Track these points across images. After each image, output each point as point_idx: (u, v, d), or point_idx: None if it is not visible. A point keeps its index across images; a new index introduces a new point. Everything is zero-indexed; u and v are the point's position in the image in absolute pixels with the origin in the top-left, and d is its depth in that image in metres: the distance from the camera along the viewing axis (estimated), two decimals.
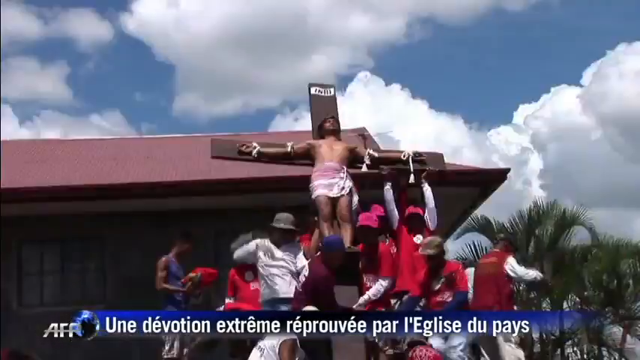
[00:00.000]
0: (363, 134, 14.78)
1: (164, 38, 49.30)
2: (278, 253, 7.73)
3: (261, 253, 7.79)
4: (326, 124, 8.54)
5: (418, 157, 8.61)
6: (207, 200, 14.33)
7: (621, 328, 18.42)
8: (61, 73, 57.68)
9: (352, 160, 8.41)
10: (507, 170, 15.08)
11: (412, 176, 8.46)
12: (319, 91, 9.14)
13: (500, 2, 55.46)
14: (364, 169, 8.49)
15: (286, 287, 7.52)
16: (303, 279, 7.05)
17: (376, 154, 8.58)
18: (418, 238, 8.16)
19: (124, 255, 14.66)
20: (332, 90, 9.21)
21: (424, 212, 8.38)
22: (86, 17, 53.63)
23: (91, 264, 15.10)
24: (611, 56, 48.37)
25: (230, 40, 50.63)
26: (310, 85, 9.22)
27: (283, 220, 7.79)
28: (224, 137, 8.89)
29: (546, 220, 18.08)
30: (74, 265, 15.09)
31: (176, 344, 9.20)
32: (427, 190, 8.34)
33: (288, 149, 8.46)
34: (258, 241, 7.92)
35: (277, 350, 6.46)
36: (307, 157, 8.43)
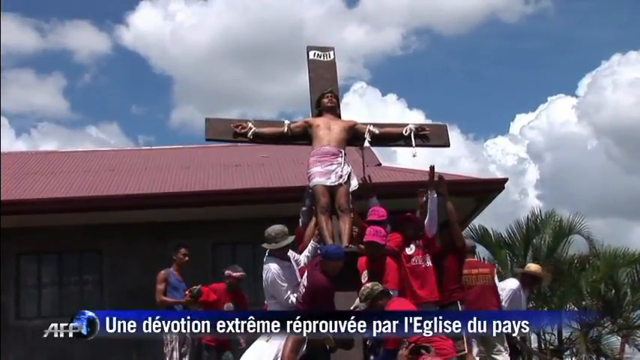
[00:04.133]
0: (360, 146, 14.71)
1: (161, 51, 49.42)
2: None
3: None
4: (324, 99, 8.16)
5: (421, 132, 8.24)
6: (206, 211, 14.32)
7: (619, 338, 18.42)
8: (58, 86, 57.80)
9: (352, 138, 8.08)
10: (505, 180, 15.11)
11: (414, 152, 8.14)
12: (318, 55, 8.67)
13: (496, 13, 55.78)
14: (366, 144, 8.22)
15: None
16: (303, 289, 6.99)
17: (377, 131, 8.15)
18: (411, 249, 8.05)
19: (122, 267, 14.65)
20: (332, 54, 8.72)
21: (416, 219, 8.21)
22: (83, 29, 53.74)
23: (89, 276, 15.08)
24: (605, 66, 48.60)
25: (227, 52, 50.80)
26: (309, 49, 8.72)
27: (275, 237, 7.26)
28: (219, 118, 8.45)
29: (544, 229, 18.10)
30: (72, 277, 15.08)
31: (175, 354, 9.17)
32: (433, 200, 8.01)
33: (285, 129, 8.10)
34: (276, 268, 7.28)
35: (284, 340, 6.44)
36: (304, 136, 8.09)
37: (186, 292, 9.36)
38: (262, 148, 18.39)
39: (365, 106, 45.17)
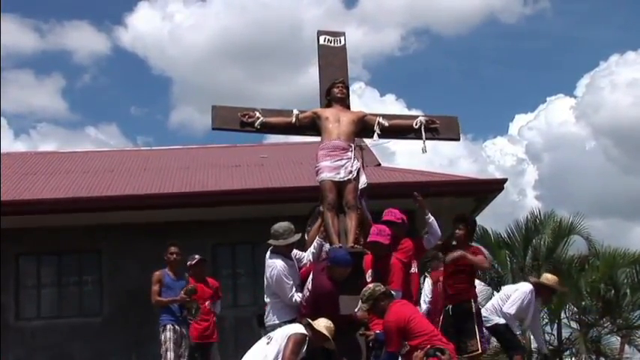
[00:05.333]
0: (360, 145, 14.73)
1: (159, 51, 49.45)
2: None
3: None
4: (334, 89, 7.95)
5: (431, 125, 8.05)
6: (205, 211, 14.30)
7: (619, 338, 18.42)
8: (57, 86, 57.80)
9: (362, 129, 7.91)
10: (504, 180, 15.10)
11: (424, 145, 7.95)
12: (329, 40, 8.42)
13: (495, 14, 55.84)
14: (375, 138, 8.06)
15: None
16: (307, 292, 6.93)
17: (386, 123, 7.95)
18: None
19: (121, 267, 14.63)
20: (342, 39, 8.50)
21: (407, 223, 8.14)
22: (82, 30, 53.75)
23: (89, 276, 15.05)
24: (604, 67, 48.63)
25: (226, 53, 50.81)
26: (319, 33, 8.49)
27: (282, 233, 7.25)
28: (226, 106, 8.15)
29: (543, 229, 18.09)
30: (71, 277, 15.05)
31: (170, 355, 9.09)
32: (431, 222, 7.81)
33: (293, 119, 7.87)
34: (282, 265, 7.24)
35: (285, 342, 6.38)
36: (313, 127, 7.89)
37: (182, 291, 9.30)
38: (261, 149, 18.44)
39: (363, 106, 45.07)
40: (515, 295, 8.94)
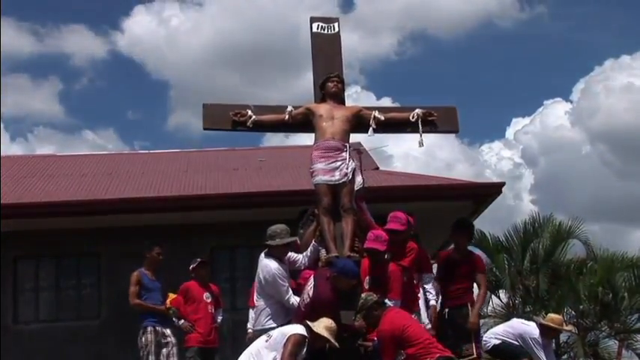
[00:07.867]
0: (358, 149, 14.67)
1: (156, 56, 49.52)
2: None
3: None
4: (329, 84, 7.69)
5: (429, 118, 7.78)
6: (204, 215, 14.30)
7: (617, 342, 18.43)
8: (54, 90, 57.77)
9: (357, 125, 7.65)
10: (502, 184, 15.11)
11: (421, 139, 7.73)
12: (322, 27, 8.16)
13: (491, 18, 55.98)
14: (370, 133, 7.71)
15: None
16: (307, 299, 6.82)
17: (382, 117, 7.68)
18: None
19: (120, 271, 14.56)
20: (336, 25, 8.24)
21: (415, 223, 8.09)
22: (80, 34, 53.77)
23: (87, 280, 15.04)
24: (599, 72, 48.76)
25: (223, 57, 50.92)
26: (312, 20, 8.22)
27: (279, 233, 7.24)
28: (217, 104, 7.96)
29: (542, 233, 18.11)
30: (69, 281, 15.03)
31: (151, 358, 9.04)
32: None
33: (286, 117, 7.63)
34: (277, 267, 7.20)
35: (284, 342, 6.32)
36: (307, 124, 7.66)
37: (165, 306, 9.25)
38: (260, 153, 18.44)
39: None
40: (529, 343, 8.77)
